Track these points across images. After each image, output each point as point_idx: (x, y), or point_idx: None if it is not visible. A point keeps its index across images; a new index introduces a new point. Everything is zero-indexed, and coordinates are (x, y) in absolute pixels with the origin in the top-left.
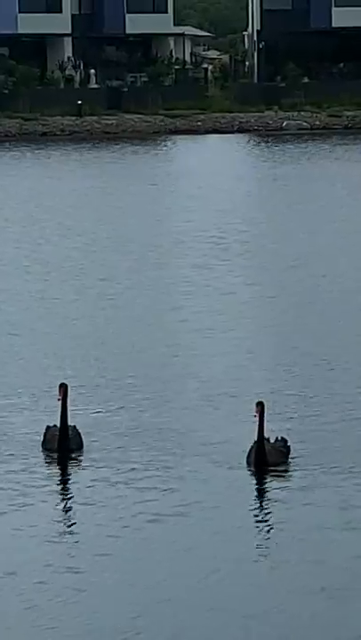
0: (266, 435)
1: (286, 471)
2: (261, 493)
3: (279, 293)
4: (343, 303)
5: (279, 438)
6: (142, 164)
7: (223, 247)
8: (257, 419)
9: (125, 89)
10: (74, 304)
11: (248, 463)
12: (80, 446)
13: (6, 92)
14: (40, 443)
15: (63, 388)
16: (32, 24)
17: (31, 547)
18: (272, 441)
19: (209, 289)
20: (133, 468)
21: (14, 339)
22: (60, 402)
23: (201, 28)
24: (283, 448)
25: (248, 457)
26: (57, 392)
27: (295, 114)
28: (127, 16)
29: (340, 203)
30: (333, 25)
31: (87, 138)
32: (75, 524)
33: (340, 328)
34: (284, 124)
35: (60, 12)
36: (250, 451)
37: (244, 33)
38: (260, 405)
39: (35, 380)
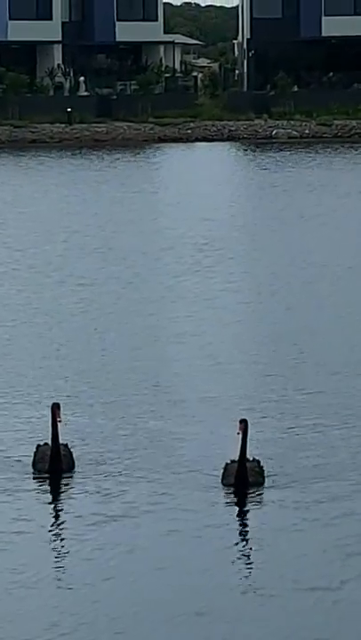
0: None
1: (264, 491)
2: (246, 513)
3: (266, 301)
4: (329, 308)
5: (251, 459)
6: (131, 172)
7: (208, 254)
8: (240, 436)
9: (115, 97)
10: (58, 314)
11: (226, 483)
12: (72, 466)
13: None
14: (31, 462)
15: (56, 407)
16: (22, 31)
17: (23, 569)
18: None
19: (195, 297)
20: (124, 490)
21: None
22: (56, 422)
23: (191, 37)
24: (258, 468)
25: (226, 476)
26: (50, 412)
27: (285, 122)
28: (117, 24)
29: (326, 210)
30: (323, 34)
31: (77, 145)
32: (65, 546)
33: (326, 334)
34: (274, 132)
35: (51, 19)
36: (226, 469)
37: (234, 41)
38: (244, 423)
39: (22, 395)
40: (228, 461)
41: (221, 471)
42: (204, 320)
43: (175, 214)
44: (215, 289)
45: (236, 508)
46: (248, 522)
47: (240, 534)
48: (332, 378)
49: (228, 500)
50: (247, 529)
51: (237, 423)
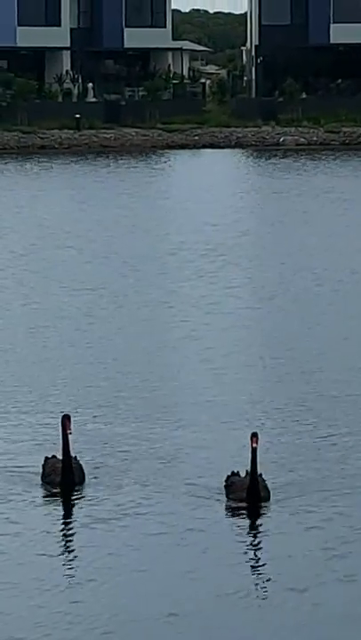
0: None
1: (272, 506)
2: (258, 528)
3: (268, 306)
4: (332, 314)
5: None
6: (138, 178)
7: (213, 259)
8: (250, 450)
9: (123, 103)
10: (61, 320)
11: (234, 497)
12: (83, 479)
13: (4, 104)
14: (40, 475)
15: (66, 419)
16: (31, 37)
17: (31, 589)
18: (243, 475)
19: (197, 302)
20: (134, 502)
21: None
22: (67, 434)
23: (199, 43)
24: (265, 483)
25: (233, 491)
26: (60, 425)
27: (292, 129)
28: (126, 30)
29: (331, 217)
30: (332, 41)
31: (85, 151)
32: (76, 560)
33: (329, 340)
34: (282, 139)
35: (59, 25)
36: (233, 484)
37: (243, 48)
38: (256, 437)
39: (30, 407)
40: (230, 474)
41: (225, 484)
42: (208, 326)
43: (181, 220)
44: (219, 294)
45: (248, 523)
46: (260, 536)
47: (252, 549)
48: (334, 385)
49: (241, 515)
50: (258, 543)
51: (250, 437)
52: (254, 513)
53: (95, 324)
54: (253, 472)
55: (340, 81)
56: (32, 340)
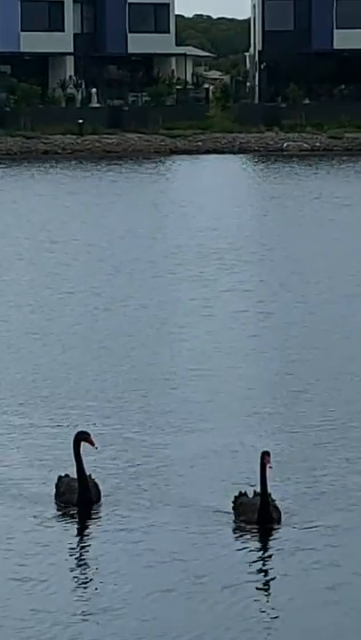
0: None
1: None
2: (269, 550)
3: (270, 310)
4: (333, 317)
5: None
6: (140, 183)
7: (214, 264)
8: (259, 469)
9: (126, 108)
10: (66, 327)
11: (246, 520)
12: (99, 498)
13: (8, 110)
14: (53, 495)
15: (85, 436)
16: (34, 42)
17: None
18: (251, 495)
19: (204, 309)
20: (151, 523)
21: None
22: (79, 452)
23: (203, 49)
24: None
25: (244, 513)
26: (75, 443)
27: (296, 135)
28: (129, 36)
29: (333, 222)
30: (335, 46)
31: (88, 156)
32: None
33: (328, 344)
34: (285, 145)
35: (63, 30)
36: (242, 504)
37: (246, 53)
38: (268, 455)
39: (35, 421)
40: (238, 494)
41: (234, 505)
42: (209, 332)
43: (182, 225)
44: (219, 298)
45: (260, 545)
46: (273, 559)
47: (265, 573)
48: (335, 389)
49: (254, 538)
50: (271, 566)
51: (262, 455)
52: (266, 535)
53: (91, 329)
54: (264, 493)
55: (343, 87)
56: (33, 350)
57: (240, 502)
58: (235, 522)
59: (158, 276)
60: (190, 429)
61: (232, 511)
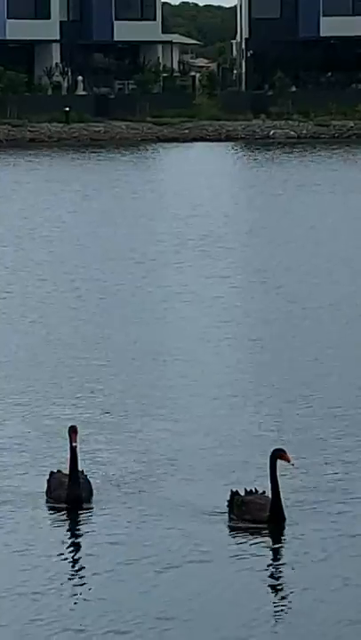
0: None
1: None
2: (278, 551)
3: (258, 299)
4: (332, 308)
5: (256, 490)
6: (127, 171)
7: (202, 252)
8: (270, 466)
9: (113, 96)
10: (46, 318)
11: (255, 519)
12: (91, 494)
13: None
14: (44, 491)
15: (72, 431)
16: (20, 30)
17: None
18: (242, 493)
19: (195, 297)
20: (143, 521)
21: None
22: (72, 447)
23: (189, 36)
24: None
25: (249, 511)
26: (68, 436)
27: (283, 123)
28: (115, 23)
29: (318, 209)
30: (322, 34)
31: (75, 144)
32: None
33: (321, 335)
34: (272, 132)
35: (49, 18)
36: (246, 504)
37: (233, 41)
38: (285, 452)
39: (29, 420)
40: (243, 493)
41: (238, 505)
42: (202, 328)
43: (169, 213)
44: (210, 287)
45: (270, 543)
46: (280, 560)
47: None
48: (321, 374)
49: (251, 536)
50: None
51: (273, 452)
52: (277, 534)
53: (83, 320)
54: (275, 492)
55: (330, 74)
56: (26, 343)
57: (242, 500)
58: (235, 521)
59: (141, 262)
60: (175, 419)
61: (228, 509)
